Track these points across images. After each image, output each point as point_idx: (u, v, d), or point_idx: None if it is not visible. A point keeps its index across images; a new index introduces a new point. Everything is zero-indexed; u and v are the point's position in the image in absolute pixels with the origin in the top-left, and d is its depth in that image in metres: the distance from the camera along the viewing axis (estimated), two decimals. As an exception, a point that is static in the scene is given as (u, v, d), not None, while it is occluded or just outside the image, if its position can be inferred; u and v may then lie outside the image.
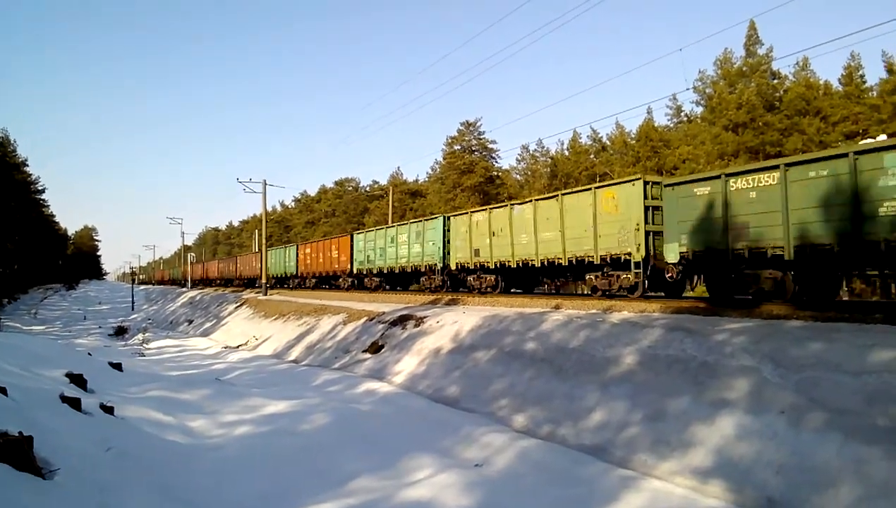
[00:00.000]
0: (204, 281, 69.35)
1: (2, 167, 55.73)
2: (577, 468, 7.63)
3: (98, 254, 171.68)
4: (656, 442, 7.90)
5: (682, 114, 48.44)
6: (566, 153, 56.36)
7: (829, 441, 6.51)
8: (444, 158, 58.87)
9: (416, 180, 73.95)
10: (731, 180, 12.61)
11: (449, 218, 23.86)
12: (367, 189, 79.91)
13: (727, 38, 51.80)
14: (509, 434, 9.17)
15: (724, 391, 8.05)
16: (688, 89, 50.59)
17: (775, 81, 39.20)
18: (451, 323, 15.03)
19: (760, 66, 38.12)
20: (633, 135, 50.06)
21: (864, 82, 38.52)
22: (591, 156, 53.71)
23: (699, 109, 44.02)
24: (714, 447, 7.32)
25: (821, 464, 6.36)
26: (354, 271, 31.88)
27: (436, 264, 24.02)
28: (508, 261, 19.65)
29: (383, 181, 75.05)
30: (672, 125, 49.37)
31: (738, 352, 8.59)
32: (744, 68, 38.97)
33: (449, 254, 23.45)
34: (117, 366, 14.93)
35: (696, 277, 14.62)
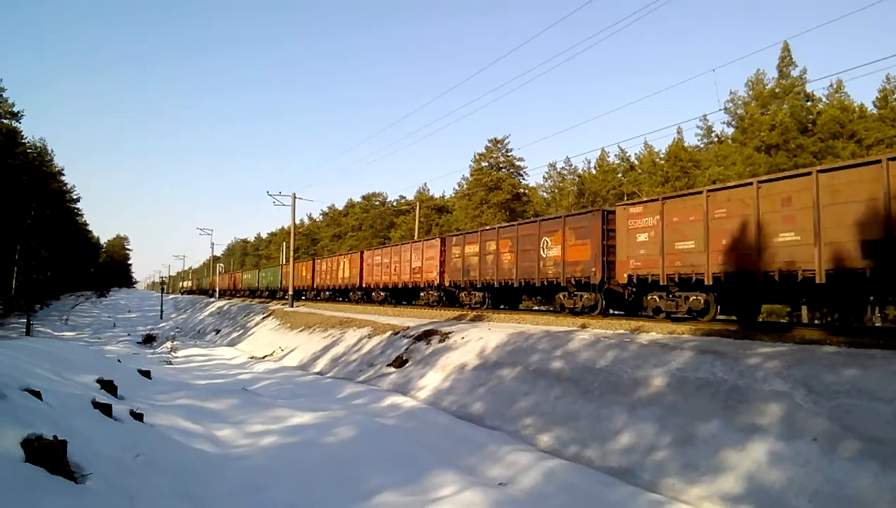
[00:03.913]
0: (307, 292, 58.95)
1: (39, 176, 57.01)
2: (603, 490, 7.52)
3: (129, 262, 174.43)
4: (685, 467, 7.78)
5: (713, 134, 48.15)
6: (594, 172, 56.19)
7: (864, 470, 6.37)
8: (472, 175, 59.04)
9: (443, 196, 74.23)
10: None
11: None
12: (394, 204, 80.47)
13: (759, 60, 51.27)
14: (534, 454, 9.08)
15: (755, 416, 7.91)
16: (720, 110, 50.27)
17: (809, 103, 38.75)
18: (477, 340, 15.00)
19: (794, 88, 37.74)
20: (662, 155, 49.77)
21: (901, 105, 37.89)
22: (619, 175, 53.47)
23: (730, 130, 43.69)
24: (745, 472, 7.18)
25: (855, 493, 6.22)
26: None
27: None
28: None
29: (410, 196, 75.44)
30: (702, 145, 49.04)
31: (770, 377, 8.45)
32: (777, 90, 38.63)
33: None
34: (146, 374, 15.13)
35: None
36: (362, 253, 34.70)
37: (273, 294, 54.93)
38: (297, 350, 24.26)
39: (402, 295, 31.70)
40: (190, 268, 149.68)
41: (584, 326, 14.81)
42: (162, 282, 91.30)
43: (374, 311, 27.36)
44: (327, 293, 40.59)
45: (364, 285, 33.63)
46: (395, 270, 29.49)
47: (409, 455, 8.88)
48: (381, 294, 31.77)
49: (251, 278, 66.21)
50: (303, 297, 45.69)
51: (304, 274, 45.50)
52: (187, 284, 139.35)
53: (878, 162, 10.17)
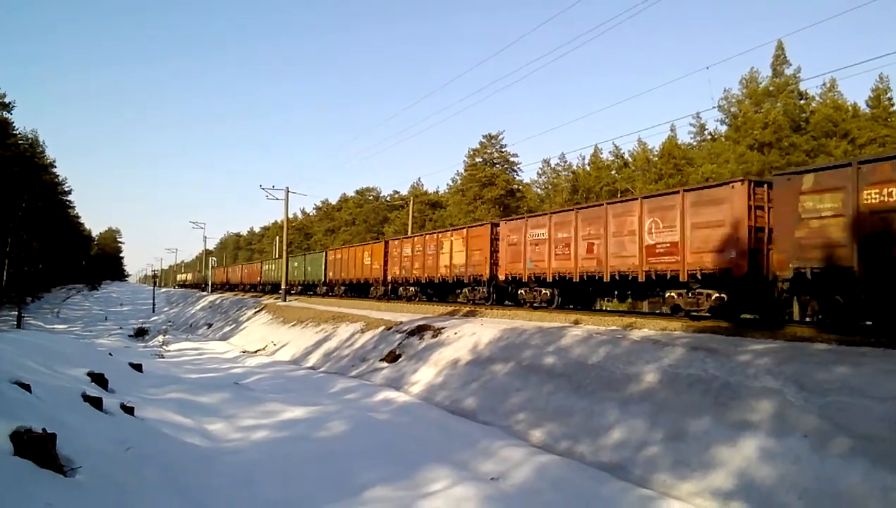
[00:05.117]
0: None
1: (30, 168, 56.60)
2: (595, 486, 7.54)
3: (121, 255, 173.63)
4: (676, 462, 7.80)
5: (706, 132, 48.16)
6: (587, 168, 56.21)
7: (854, 467, 6.39)
8: (466, 170, 58.92)
9: (437, 191, 74.06)
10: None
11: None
12: (388, 199, 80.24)
13: (753, 58, 51.40)
14: (527, 449, 9.10)
15: (746, 412, 7.94)
16: (713, 108, 50.40)
17: (802, 102, 38.84)
18: (470, 335, 15.00)
19: (787, 87, 37.82)
20: (655, 152, 49.78)
21: (892, 105, 38.06)
22: (613, 172, 53.50)
23: (723, 128, 43.77)
24: (736, 469, 7.20)
25: (845, 490, 6.24)
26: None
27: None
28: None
29: (404, 191, 75.24)
30: (695, 143, 49.08)
31: (762, 374, 8.47)
32: (770, 88, 38.69)
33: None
34: (137, 367, 15.06)
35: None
36: (494, 225, 21.82)
37: (309, 288, 43.64)
38: (289, 344, 24.21)
39: (584, 296, 18.56)
40: (182, 262, 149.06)
41: (576, 322, 14.83)
42: (154, 276, 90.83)
43: (367, 306, 27.28)
44: (411, 289, 27.67)
45: (506, 276, 20.19)
46: (588, 250, 16.30)
47: (401, 450, 8.89)
48: (545, 292, 18.52)
49: (275, 269, 50.47)
50: (354, 294, 34.88)
51: (366, 261, 32.42)
52: (183, 277, 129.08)
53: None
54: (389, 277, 29.66)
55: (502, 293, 21.70)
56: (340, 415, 10.67)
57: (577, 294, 18.36)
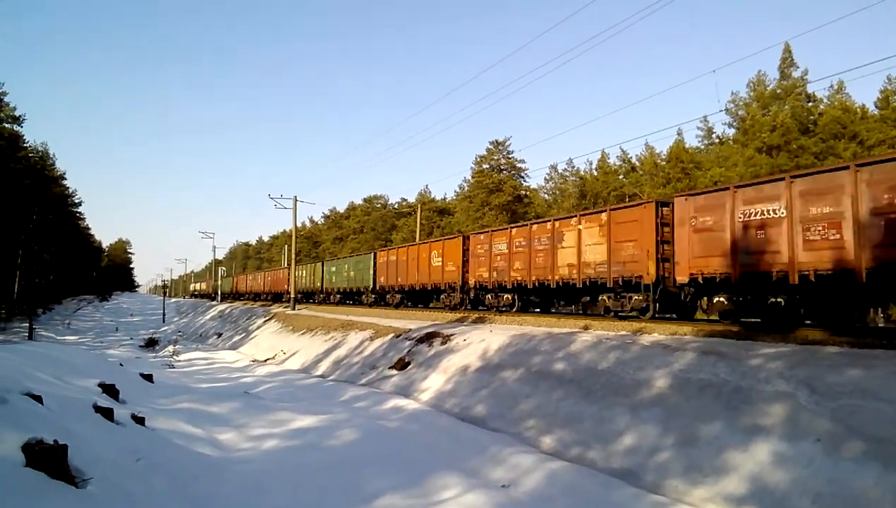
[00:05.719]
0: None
1: (41, 181, 56.99)
2: (606, 492, 7.50)
3: (131, 266, 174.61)
4: (688, 468, 7.75)
5: (714, 135, 48.06)
6: (595, 173, 56.12)
7: (867, 471, 6.34)
8: (473, 177, 58.99)
9: (445, 198, 74.15)
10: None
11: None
12: (396, 206, 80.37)
13: (760, 61, 51.27)
14: (537, 456, 9.06)
15: (758, 417, 7.88)
16: (721, 111, 50.29)
17: (810, 104, 38.68)
18: (479, 342, 14.97)
19: (795, 89, 37.68)
20: (663, 157, 49.68)
21: (902, 105, 37.84)
22: (621, 176, 53.38)
23: (731, 131, 43.66)
24: (748, 474, 7.15)
25: (859, 494, 6.19)
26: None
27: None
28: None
29: (412, 198, 75.34)
30: (703, 147, 48.96)
31: (773, 378, 8.41)
32: (778, 91, 38.56)
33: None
34: (148, 378, 15.12)
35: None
36: (660, 204, 15.24)
37: (351, 296, 37.81)
38: (299, 353, 24.24)
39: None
40: (192, 272, 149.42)
41: (586, 328, 14.78)
42: (164, 286, 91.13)
43: (376, 314, 27.27)
44: (506, 296, 21.22)
45: (690, 277, 13.73)
46: (887, 232, 10.10)
47: (411, 458, 8.87)
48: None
49: (306, 275, 44.19)
50: (412, 304, 29.88)
51: (434, 262, 26.00)
52: (196, 286, 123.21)
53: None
54: (472, 281, 22.83)
55: (671, 302, 15.25)
56: (350, 424, 10.67)
57: (843, 300, 11.53)
